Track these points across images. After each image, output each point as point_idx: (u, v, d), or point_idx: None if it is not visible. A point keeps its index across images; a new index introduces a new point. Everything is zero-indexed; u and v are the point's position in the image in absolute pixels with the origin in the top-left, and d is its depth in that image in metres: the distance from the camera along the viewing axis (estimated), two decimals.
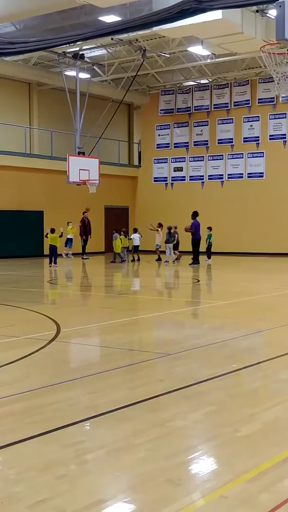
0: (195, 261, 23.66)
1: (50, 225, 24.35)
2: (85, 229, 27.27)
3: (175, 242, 24.90)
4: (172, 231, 24.66)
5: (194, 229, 24.01)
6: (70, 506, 3.71)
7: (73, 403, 5.92)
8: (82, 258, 26.80)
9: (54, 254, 23.16)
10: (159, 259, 25.62)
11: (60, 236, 23.70)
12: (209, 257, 25.13)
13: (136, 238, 26.27)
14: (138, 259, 25.95)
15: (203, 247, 25.02)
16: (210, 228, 25.10)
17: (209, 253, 25.27)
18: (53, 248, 23.22)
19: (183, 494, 3.85)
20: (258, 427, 5.13)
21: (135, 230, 26.81)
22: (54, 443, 4.78)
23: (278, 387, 6.55)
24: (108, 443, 4.75)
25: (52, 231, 23.22)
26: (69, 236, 26.60)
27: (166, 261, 24.49)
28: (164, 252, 25.21)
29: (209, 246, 25.23)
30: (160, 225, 25.81)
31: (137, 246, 26.35)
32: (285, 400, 5.94)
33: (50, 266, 22.95)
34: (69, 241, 26.77)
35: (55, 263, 23.05)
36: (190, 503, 3.72)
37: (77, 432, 5.06)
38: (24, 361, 7.61)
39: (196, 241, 23.99)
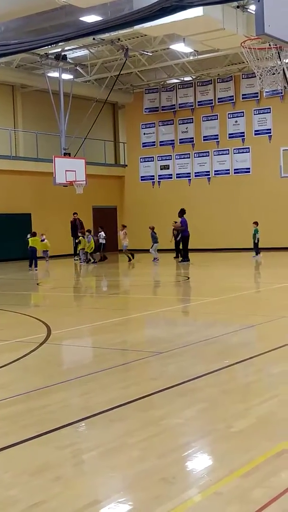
0: (185, 258, 23.67)
1: (38, 228, 24.29)
2: (75, 230, 27.15)
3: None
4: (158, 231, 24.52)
5: (184, 227, 24.01)
6: (65, 508, 3.71)
7: (66, 405, 5.92)
8: (74, 260, 26.75)
9: (34, 256, 23.03)
10: (128, 260, 25.31)
11: (42, 241, 23.55)
12: (257, 253, 24.54)
13: (101, 236, 26.25)
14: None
15: (245, 243, 24.63)
16: (256, 223, 24.57)
17: (256, 248, 24.59)
18: (33, 250, 23.10)
19: (177, 492, 3.86)
20: (251, 422, 5.14)
21: (101, 228, 26.70)
22: (48, 445, 4.77)
23: (271, 381, 6.56)
24: (102, 443, 4.75)
25: (34, 234, 23.14)
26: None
27: (155, 259, 24.31)
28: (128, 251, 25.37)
29: (257, 242, 24.49)
30: (124, 226, 25.94)
31: (103, 245, 26.30)
32: (278, 394, 5.95)
33: (30, 270, 22.75)
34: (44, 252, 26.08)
35: (35, 266, 22.85)
36: (184, 501, 3.73)
37: (71, 434, 5.06)
38: (15, 364, 7.59)
39: (185, 238, 23.98)
